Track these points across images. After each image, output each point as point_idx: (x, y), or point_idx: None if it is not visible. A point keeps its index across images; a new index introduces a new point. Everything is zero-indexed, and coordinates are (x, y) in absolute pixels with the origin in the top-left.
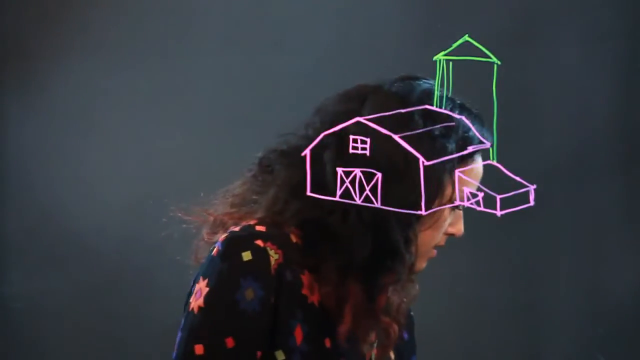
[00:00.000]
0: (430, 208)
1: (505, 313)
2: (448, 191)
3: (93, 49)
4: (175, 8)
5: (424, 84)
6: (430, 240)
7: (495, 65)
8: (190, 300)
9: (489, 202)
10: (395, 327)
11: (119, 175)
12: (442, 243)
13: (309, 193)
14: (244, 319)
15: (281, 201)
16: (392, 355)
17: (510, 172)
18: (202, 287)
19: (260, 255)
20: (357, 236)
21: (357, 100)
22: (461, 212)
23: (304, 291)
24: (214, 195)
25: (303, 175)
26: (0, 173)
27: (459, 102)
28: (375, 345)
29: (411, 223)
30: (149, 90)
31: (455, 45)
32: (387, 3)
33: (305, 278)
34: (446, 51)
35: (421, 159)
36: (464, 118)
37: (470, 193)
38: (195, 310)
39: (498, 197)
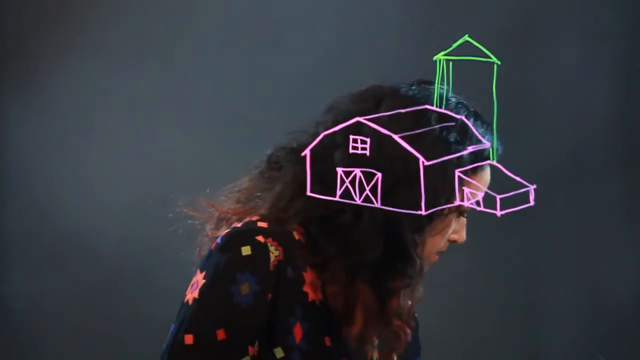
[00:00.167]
0: (440, 212)
1: (505, 313)
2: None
3: (93, 49)
4: (175, 8)
5: (440, 90)
6: (435, 245)
7: (495, 65)
8: (187, 292)
9: (489, 202)
10: (407, 330)
11: (119, 175)
12: (444, 249)
13: (309, 193)
14: (236, 312)
15: (286, 198)
16: (394, 356)
17: (510, 172)
18: (199, 279)
19: (260, 250)
20: (369, 237)
21: (373, 101)
22: (465, 220)
23: (305, 288)
24: (220, 191)
25: (311, 173)
26: (0, 173)
27: (472, 109)
28: (376, 345)
29: (423, 227)
30: (149, 90)
31: (455, 45)
32: (387, 3)
33: (308, 275)
34: (446, 51)
35: (421, 159)
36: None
37: (471, 193)
38: (190, 301)
39: (498, 197)
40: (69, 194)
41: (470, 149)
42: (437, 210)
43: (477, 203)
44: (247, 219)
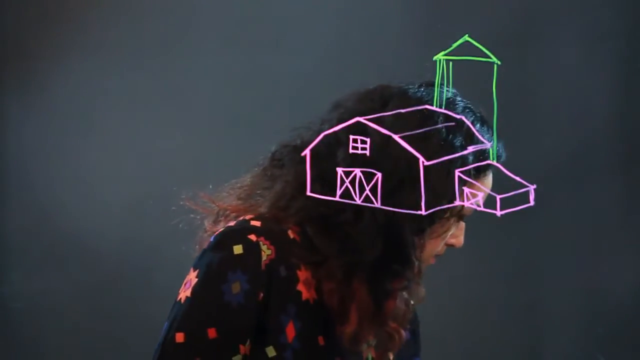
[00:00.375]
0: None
1: (505, 313)
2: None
3: (93, 49)
4: (175, 8)
5: (448, 93)
6: (434, 248)
7: (495, 65)
8: (180, 291)
9: (489, 202)
10: (402, 332)
11: (119, 175)
12: (442, 252)
13: (309, 193)
14: (227, 311)
15: (287, 197)
16: (390, 356)
17: (510, 172)
18: (191, 278)
19: (252, 249)
20: (369, 236)
21: (380, 101)
22: (464, 224)
23: (299, 287)
24: (221, 187)
25: (312, 171)
26: (0, 173)
27: (479, 114)
28: (371, 344)
29: (424, 229)
30: (149, 90)
31: (455, 45)
32: (387, 3)
33: (302, 274)
34: (446, 51)
35: (421, 159)
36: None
37: (471, 193)
38: (182, 300)
39: (498, 197)
40: (69, 194)
41: (471, 149)
42: (438, 213)
43: (477, 203)
44: (241, 217)
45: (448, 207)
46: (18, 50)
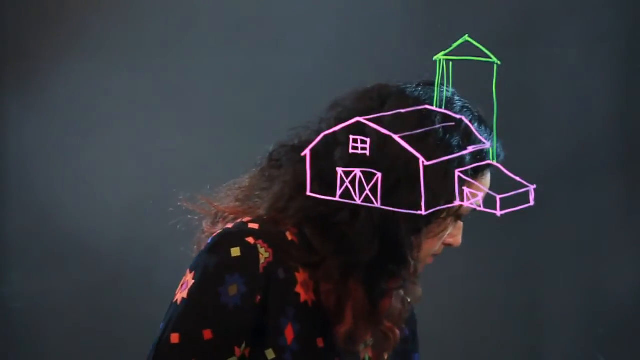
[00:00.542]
0: (440, 214)
1: (505, 313)
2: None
3: (93, 49)
4: (175, 8)
5: (446, 92)
6: (431, 248)
7: (495, 65)
8: (176, 292)
9: (489, 202)
10: (397, 332)
11: (119, 175)
12: (439, 252)
13: (308, 193)
14: (224, 313)
15: (285, 198)
16: (385, 355)
17: (510, 172)
18: (188, 279)
19: (250, 252)
20: (365, 236)
21: (378, 100)
22: (462, 224)
23: (298, 289)
24: (220, 187)
25: (311, 171)
26: (0, 173)
27: (477, 114)
28: (369, 344)
29: (420, 229)
30: (149, 90)
31: (455, 45)
32: (387, 3)
33: (300, 276)
34: (446, 51)
35: (421, 159)
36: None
37: (471, 193)
38: (179, 301)
39: (498, 197)
40: (69, 194)
41: (470, 149)
42: (435, 213)
43: (477, 203)
44: (239, 220)
45: (446, 207)
46: (18, 50)
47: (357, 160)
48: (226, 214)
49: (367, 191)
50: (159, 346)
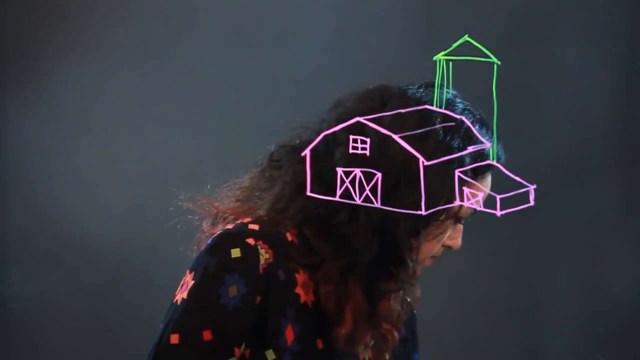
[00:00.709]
0: (439, 216)
1: (505, 313)
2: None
3: (93, 49)
4: (175, 8)
5: (447, 94)
6: (430, 250)
7: (495, 65)
8: (176, 293)
9: (489, 202)
10: (395, 334)
11: (119, 175)
12: (439, 254)
13: (308, 193)
14: (223, 314)
15: (286, 198)
16: (385, 356)
17: (510, 172)
18: (188, 280)
19: (250, 253)
20: (364, 237)
21: (379, 100)
22: (461, 226)
23: (298, 290)
24: (220, 187)
25: (311, 171)
26: (0, 173)
27: (478, 116)
28: (369, 345)
29: (419, 231)
30: (148, 90)
31: (455, 45)
32: (387, 3)
33: (300, 277)
34: (446, 51)
35: (421, 159)
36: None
37: (471, 193)
38: (179, 301)
39: (498, 197)
40: (69, 194)
41: (470, 149)
42: (435, 214)
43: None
44: (239, 221)
45: (444, 209)
46: (18, 50)
47: (357, 160)
48: (226, 215)
49: (367, 191)
50: (159, 347)
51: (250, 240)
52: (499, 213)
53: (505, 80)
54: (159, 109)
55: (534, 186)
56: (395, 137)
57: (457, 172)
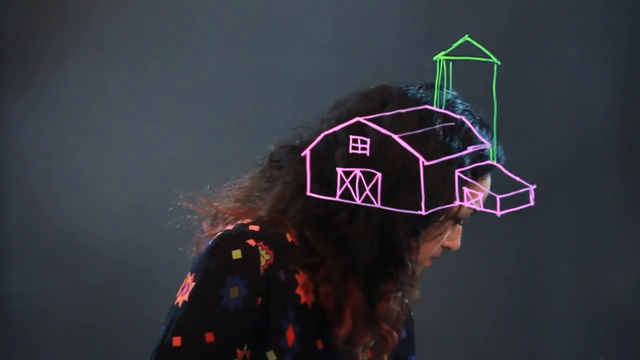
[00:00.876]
0: (438, 217)
1: (505, 313)
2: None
3: (93, 49)
4: (175, 8)
5: (448, 94)
6: (429, 251)
7: (495, 65)
8: (177, 295)
9: (489, 202)
10: (395, 334)
11: (119, 175)
12: (438, 255)
13: (308, 193)
14: (225, 316)
15: (286, 199)
16: (384, 357)
17: (510, 172)
18: (189, 282)
19: (251, 254)
20: (364, 238)
21: (380, 101)
22: (460, 227)
23: (298, 291)
24: (220, 187)
25: (311, 172)
26: (0, 173)
27: (478, 117)
28: (368, 345)
29: (419, 231)
30: (149, 90)
31: (455, 45)
32: (387, 3)
33: (300, 278)
34: (446, 51)
35: (421, 159)
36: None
37: (471, 193)
38: (180, 304)
39: (498, 197)
40: (69, 194)
41: (470, 149)
42: (435, 215)
43: (477, 203)
44: (239, 222)
45: (444, 210)
46: (18, 50)
47: (357, 161)
48: (226, 215)
49: (367, 191)
50: (161, 349)
51: (251, 242)
52: (499, 213)
53: (505, 80)
54: (159, 109)
55: (534, 186)
56: (396, 137)
57: (457, 172)
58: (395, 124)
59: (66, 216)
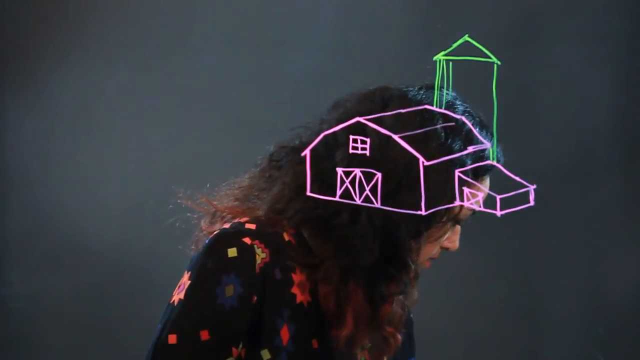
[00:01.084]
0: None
1: (505, 313)
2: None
3: (93, 49)
4: (175, 8)
5: (447, 95)
6: (429, 252)
7: (495, 65)
8: (174, 293)
9: (489, 202)
10: (398, 336)
11: (119, 175)
12: (436, 256)
13: (308, 193)
14: (220, 314)
15: (285, 199)
16: (384, 359)
17: (510, 172)
18: (185, 280)
19: (246, 252)
20: (366, 239)
21: (380, 102)
22: (460, 228)
23: (294, 290)
24: (220, 186)
25: (311, 172)
26: (0, 173)
27: (478, 118)
28: (365, 347)
29: (421, 233)
30: (149, 90)
31: (455, 45)
32: (387, 3)
33: (297, 277)
34: (446, 51)
35: (421, 159)
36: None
37: (471, 193)
38: (176, 302)
39: (498, 197)
40: (69, 194)
41: (470, 149)
42: (436, 217)
43: (477, 203)
44: (236, 220)
45: (446, 211)
46: (18, 50)
47: (357, 161)
48: (225, 214)
49: (367, 192)
50: (157, 347)
51: (247, 240)
52: (499, 213)
53: (505, 80)
54: (159, 108)
55: (534, 186)
56: (396, 137)
57: (457, 172)
58: (396, 125)
59: (66, 216)
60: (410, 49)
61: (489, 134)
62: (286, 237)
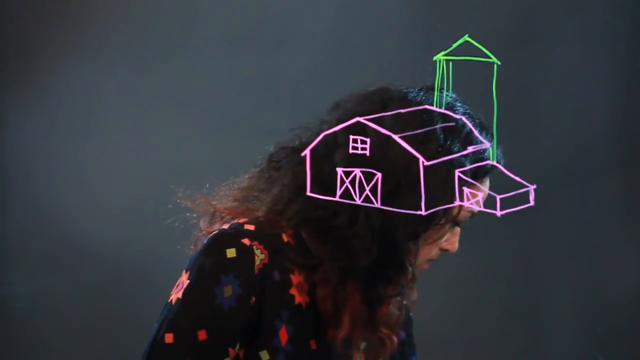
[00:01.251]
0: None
1: (505, 313)
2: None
3: (93, 49)
4: (175, 8)
5: (447, 97)
6: (427, 254)
7: (495, 65)
8: (172, 292)
9: (489, 202)
10: (394, 338)
11: (119, 175)
12: (435, 257)
13: (308, 193)
14: (218, 314)
15: (284, 200)
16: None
17: (510, 172)
18: (183, 280)
19: (245, 253)
20: (364, 240)
21: (380, 103)
22: (459, 229)
23: (292, 291)
24: (219, 186)
25: (311, 172)
26: (0, 173)
27: (478, 120)
28: (361, 348)
29: (419, 234)
30: (149, 90)
31: (455, 45)
32: (387, 3)
33: (295, 278)
34: (446, 51)
35: (421, 159)
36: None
37: (470, 193)
38: (174, 301)
39: (498, 197)
40: (69, 194)
41: (470, 149)
42: (435, 218)
43: (477, 203)
44: (235, 221)
45: (444, 212)
46: (18, 50)
47: (357, 161)
48: (224, 214)
49: (367, 192)
50: (153, 346)
51: (246, 241)
52: (499, 213)
53: (505, 81)
54: (159, 109)
55: (534, 186)
56: (396, 137)
57: (457, 173)
58: (396, 125)
59: (66, 216)
60: (410, 49)
61: (489, 135)
62: (285, 238)
